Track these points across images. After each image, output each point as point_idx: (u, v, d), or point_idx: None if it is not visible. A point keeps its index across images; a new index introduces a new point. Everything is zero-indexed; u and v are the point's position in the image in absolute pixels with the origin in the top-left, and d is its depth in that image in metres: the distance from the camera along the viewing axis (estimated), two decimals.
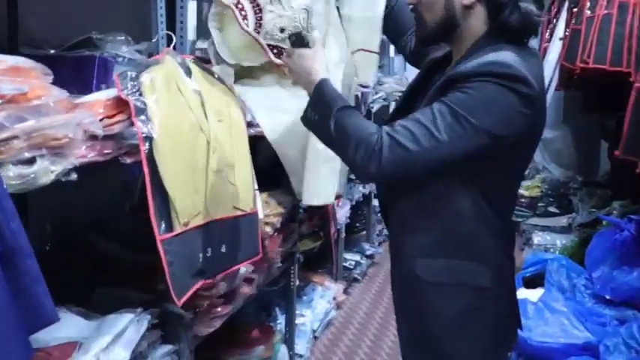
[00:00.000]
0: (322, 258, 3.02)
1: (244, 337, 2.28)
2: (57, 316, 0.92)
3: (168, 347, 1.48)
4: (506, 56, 1.11)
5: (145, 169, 1.22)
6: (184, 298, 1.33)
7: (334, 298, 3.09)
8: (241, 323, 2.32)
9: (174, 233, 1.29)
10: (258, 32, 1.62)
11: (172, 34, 1.51)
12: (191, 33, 1.59)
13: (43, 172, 1.05)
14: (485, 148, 1.10)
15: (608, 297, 2.14)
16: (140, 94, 1.24)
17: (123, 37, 1.62)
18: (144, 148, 1.21)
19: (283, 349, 2.46)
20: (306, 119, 1.27)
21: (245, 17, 1.61)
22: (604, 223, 2.59)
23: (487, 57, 1.12)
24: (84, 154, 1.16)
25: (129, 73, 1.26)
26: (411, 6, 1.28)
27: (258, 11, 1.61)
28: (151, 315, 1.41)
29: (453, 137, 1.09)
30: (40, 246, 1.78)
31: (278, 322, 2.58)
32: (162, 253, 1.26)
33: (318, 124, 1.23)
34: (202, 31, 1.87)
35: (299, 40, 1.36)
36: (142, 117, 1.22)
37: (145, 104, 1.23)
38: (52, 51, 1.64)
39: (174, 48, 1.50)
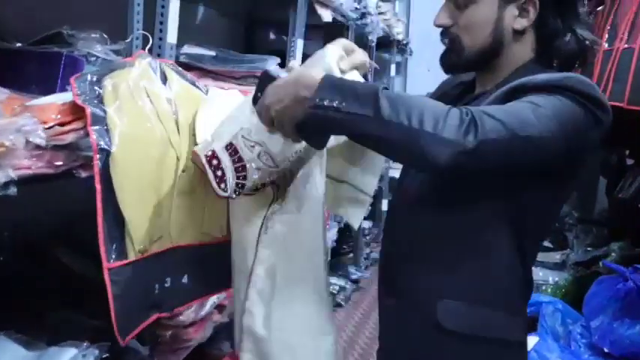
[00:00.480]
0: None
1: None
2: None
3: None
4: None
5: (97, 186, 1.04)
6: (130, 337, 1.14)
7: None
8: (213, 350, 2.15)
9: (125, 262, 1.12)
10: (239, 194, 1.11)
11: (149, 35, 1.34)
12: (172, 35, 1.42)
13: None
14: (556, 160, 0.95)
15: (606, 350, 1.97)
16: (100, 101, 1.07)
17: (97, 35, 1.46)
18: (97, 162, 1.04)
19: None
20: (332, 116, 0.89)
21: (222, 179, 1.09)
22: (601, 266, 2.44)
23: (557, 73, 1.00)
24: (27, 165, 1.00)
25: (89, 76, 1.09)
26: (440, 28, 1.11)
27: (240, 169, 1.09)
28: (100, 350, 1.24)
29: (544, 132, 0.90)
30: None
31: None
32: (107, 283, 1.08)
33: (359, 110, 0.88)
34: (190, 35, 1.72)
35: (268, 79, 0.98)
36: (99, 127, 1.04)
37: (104, 112, 1.06)
38: (18, 44, 1.48)
39: (149, 51, 1.33)
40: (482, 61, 1.09)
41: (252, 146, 1.06)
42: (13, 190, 0.95)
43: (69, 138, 1.04)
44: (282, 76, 0.97)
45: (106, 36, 1.47)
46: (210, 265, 1.37)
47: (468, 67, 1.13)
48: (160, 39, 1.41)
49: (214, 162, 1.08)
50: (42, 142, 0.96)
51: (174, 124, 1.24)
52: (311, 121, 0.91)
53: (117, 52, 1.49)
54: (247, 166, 1.07)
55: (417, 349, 1.09)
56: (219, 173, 1.07)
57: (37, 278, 1.56)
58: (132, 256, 1.12)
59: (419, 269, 1.08)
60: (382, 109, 0.86)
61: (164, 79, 1.28)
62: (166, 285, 1.25)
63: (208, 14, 2.53)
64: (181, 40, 1.65)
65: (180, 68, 1.36)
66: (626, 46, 1.78)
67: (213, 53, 1.83)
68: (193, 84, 1.39)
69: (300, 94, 0.90)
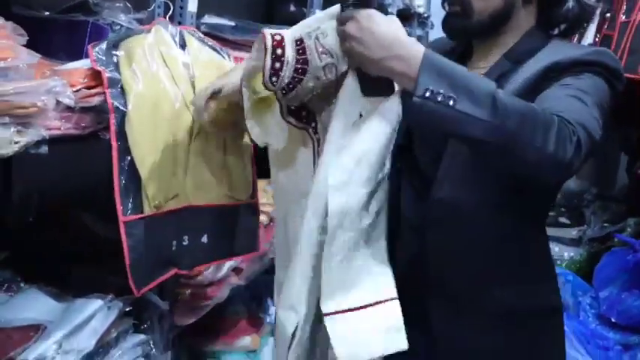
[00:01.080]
0: None
1: (230, 327, 2.17)
2: None
3: (140, 337, 1.37)
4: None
5: (113, 144, 1.11)
6: (146, 289, 1.21)
7: None
8: (229, 312, 2.22)
9: (140, 216, 1.18)
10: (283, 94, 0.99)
11: (170, 4, 1.39)
12: (193, 4, 1.46)
13: (3, 143, 0.95)
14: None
15: (613, 319, 2.00)
16: (116, 66, 1.13)
17: (121, 4, 1.50)
18: (113, 121, 1.11)
19: (272, 342, 2.35)
20: (442, 112, 0.83)
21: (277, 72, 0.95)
22: (616, 241, 2.45)
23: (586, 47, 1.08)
24: (57, 125, 1.06)
25: (106, 42, 1.15)
26: None
27: (300, 71, 0.96)
28: (124, 302, 1.31)
29: (597, 126, 0.91)
30: (22, 218, 1.71)
31: (269, 313, 2.47)
32: (123, 236, 1.14)
33: (473, 110, 0.82)
34: (210, 5, 1.75)
35: (364, 2, 0.89)
36: (114, 89, 1.11)
37: (119, 75, 1.12)
38: (47, 13, 1.54)
39: (170, 19, 1.38)
40: (492, 27, 1.08)
41: (323, 53, 0.94)
42: (44, 149, 1.01)
43: (94, 101, 1.10)
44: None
45: (129, 5, 1.52)
46: (233, 227, 1.43)
47: (477, 33, 1.11)
48: (181, 7, 1.44)
49: (278, 51, 0.94)
50: (71, 102, 1.02)
51: (191, 86, 1.28)
52: (415, 108, 0.84)
53: (139, 21, 1.52)
54: (308, 70, 0.95)
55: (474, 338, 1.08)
56: (277, 65, 0.94)
57: (63, 238, 1.64)
58: (147, 211, 1.19)
59: (463, 274, 1.08)
60: (497, 114, 0.82)
61: (183, 44, 1.33)
62: (184, 243, 1.31)
63: None
64: (202, 11, 1.68)
65: (201, 35, 1.41)
66: None
67: (232, 23, 1.86)
68: (215, 50, 1.43)
69: (397, 67, 0.86)
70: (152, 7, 1.42)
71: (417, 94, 0.82)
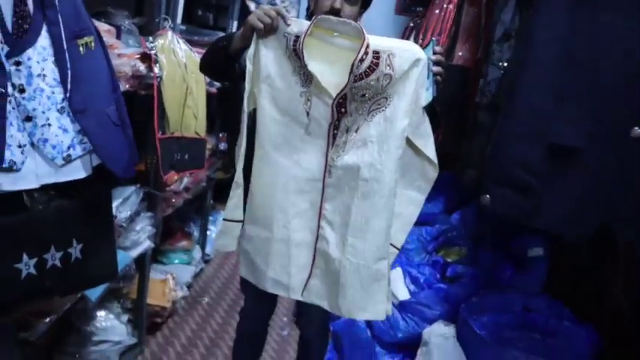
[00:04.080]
0: (225, 190, 3.74)
1: (175, 235, 3.02)
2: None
3: (149, 214, 2.20)
4: None
5: (155, 95, 1.95)
6: (167, 176, 2.07)
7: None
8: (171, 227, 3.05)
9: (165, 136, 2.03)
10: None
11: (168, 18, 2.21)
12: (179, 18, 2.30)
13: None
14: None
15: None
16: (155, 52, 1.96)
17: (126, 13, 2.28)
18: (156, 83, 1.94)
19: (198, 248, 3.21)
20: None
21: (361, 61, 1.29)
22: None
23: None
24: (132, 84, 1.86)
25: (149, 38, 1.98)
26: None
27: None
28: (143, 190, 2.14)
29: None
30: None
31: (193, 231, 3.32)
32: (158, 147, 1.99)
33: None
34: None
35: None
36: (157, 65, 1.94)
37: (158, 58, 1.95)
38: None
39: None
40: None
41: (388, 66, 1.28)
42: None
43: (144, 71, 1.91)
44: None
45: (130, 14, 2.29)
46: (197, 151, 2.32)
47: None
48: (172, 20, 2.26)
49: (367, 49, 1.28)
50: (133, 72, 1.82)
51: (185, 68, 2.14)
52: None
53: (136, 24, 2.32)
54: (376, 71, 1.28)
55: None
56: (362, 56, 1.27)
57: None
58: (168, 134, 2.04)
59: None
60: None
61: (179, 44, 2.18)
62: (178, 157, 2.18)
63: None
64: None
65: (183, 39, 2.26)
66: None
67: (183, 27, 2.69)
68: (190, 49, 2.29)
69: None
70: (158, 19, 2.20)
71: None
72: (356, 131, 1.34)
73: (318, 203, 1.39)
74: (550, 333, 1.86)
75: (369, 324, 2.20)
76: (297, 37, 1.30)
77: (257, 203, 1.42)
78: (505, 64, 1.40)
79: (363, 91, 1.30)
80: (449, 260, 2.43)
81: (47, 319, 1.59)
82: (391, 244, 1.41)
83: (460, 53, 2.00)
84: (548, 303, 2.02)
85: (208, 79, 2.42)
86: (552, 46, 1.26)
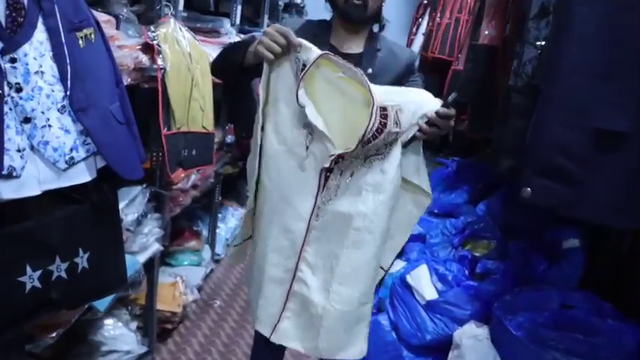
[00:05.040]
0: (233, 185, 3.73)
1: (183, 235, 2.99)
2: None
3: (157, 215, 2.17)
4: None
5: (160, 88, 1.90)
6: (174, 174, 2.04)
7: (242, 217, 3.83)
8: (178, 226, 3.02)
9: (171, 132, 1.99)
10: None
11: (169, 5, 2.16)
12: (181, 5, 2.25)
13: None
14: None
15: (436, 211, 3.11)
16: (158, 42, 1.92)
17: (124, 1, 2.23)
18: (160, 74, 1.90)
19: (207, 248, 3.19)
20: None
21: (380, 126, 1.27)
22: (437, 162, 3.58)
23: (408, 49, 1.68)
24: (131, 78, 1.82)
25: (151, 27, 1.93)
26: None
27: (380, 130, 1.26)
28: (150, 190, 2.10)
29: None
30: None
31: (201, 230, 3.29)
32: (165, 143, 1.96)
33: None
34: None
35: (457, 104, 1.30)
36: (160, 56, 1.90)
37: (161, 48, 1.91)
38: None
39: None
40: (374, 20, 1.49)
41: (395, 122, 1.26)
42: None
43: (146, 63, 1.87)
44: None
45: (126, 2, 2.25)
46: (204, 147, 2.27)
47: (367, 22, 1.48)
48: (174, 7, 2.21)
49: (382, 112, 1.25)
50: (135, 64, 1.78)
51: (190, 58, 2.10)
52: None
53: (134, 12, 2.27)
54: (384, 132, 1.26)
55: None
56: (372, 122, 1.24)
57: None
58: (174, 130, 2.00)
59: None
60: None
61: (182, 33, 2.13)
62: (185, 153, 2.14)
63: None
64: None
65: (186, 27, 2.21)
66: (447, 21, 2.87)
67: (185, 14, 2.63)
68: (193, 37, 2.24)
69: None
70: (159, 6, 2.15)
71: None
72: (351, 175, 1.33)
73: (300, 244, 1.38)
74: (592, 332, 1.81)
75: (394, 326, 2.16)
76: (305, 65, 1.27)
77: (255, 217, 1.49)
78: (543, 43, 1.34)
79: (368, 149, 1.30)
80: (477, 255, 2.38)
81: (54, 334, 1.56)
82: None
83: (486, 32, 1.94)
84: (587, 298, 1.97)
85: None
86: (594, 22, 1.21)
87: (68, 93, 1.23)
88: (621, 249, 2.18)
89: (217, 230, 3.35)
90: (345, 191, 1.33)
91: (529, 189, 1.24)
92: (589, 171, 1.19)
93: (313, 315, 1.39)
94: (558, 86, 1.22)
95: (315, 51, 1.27)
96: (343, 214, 1.33)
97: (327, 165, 1.30)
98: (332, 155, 1.27)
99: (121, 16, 2.20)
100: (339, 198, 1.34)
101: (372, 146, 1.27)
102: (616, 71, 1.19)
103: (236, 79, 1.50)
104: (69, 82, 1.23)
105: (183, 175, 2.38)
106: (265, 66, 1.32)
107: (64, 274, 1.31)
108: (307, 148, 1.33)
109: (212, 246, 3.27)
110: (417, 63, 1.65)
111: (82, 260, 1.35)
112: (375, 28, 1.55)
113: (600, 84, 1.19)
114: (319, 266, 1.39)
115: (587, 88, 1.20)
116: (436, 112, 1.27)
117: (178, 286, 2.58)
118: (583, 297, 1.97)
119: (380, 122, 1.24)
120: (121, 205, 1.92)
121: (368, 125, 1.22)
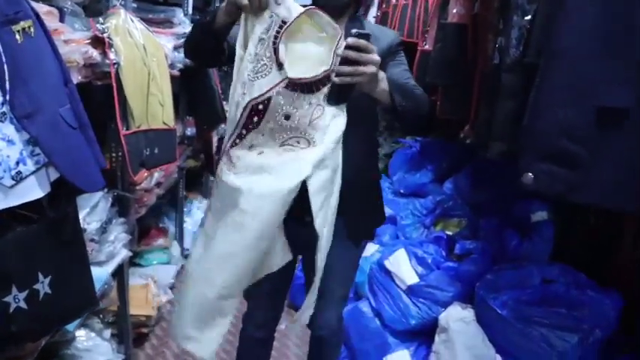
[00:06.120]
0: (197, 178, 3.49)
1: (150, 233, 2.74)
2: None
3: (122, 219, 1.93)
4: None
5: (114, 84, 1.65)
6: (137, 176, 1.80)
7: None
8: (144, 224, 2.77)
9: (131, 131, 1.75)
10: None
11: None
12: None
13: None
14: None
15: (402, 191, 2.98)
16: (108, 35, 1.66)
17: None
18: (113, 70, 1.64)
19: (175, 244, 2.95)
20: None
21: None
22: (400, 143, 3.45)
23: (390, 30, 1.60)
24: (85, 74, 1.56)
25: (99, 19, 1.66)
26: None
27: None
28: (111, 195, 1.86)
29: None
30: None
31: (168, 226, 3.04)
32: (124, 144, 1.71)
33: (410, 105, 1.29)
34: None
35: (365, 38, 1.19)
36: (112, 50, 1.64)
37: (112, 41, 1.65)
38: None
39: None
40: (349, 8, 1.43)
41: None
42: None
43: (97, 58, 1.61)
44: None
45: None
46: (168, 143, 2.03)
47: (345, 8, 1.42)
48: None
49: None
50: (85, 60, 1.52)
51: (144, 51, 1.84)
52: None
53: (79, 4, 1.99)
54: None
55: None
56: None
57: None
58: (133, 129, 1.75)
59: None
60: (418, 104, 1.33)
61: (133, 23, 1.86)
62: (147, 153, 1.89)
63: None
64: None
65: (138, 17, 1.94)
66: (404, 2, 2.69)
67: (135, 5, 2.35)
68: (146, 28, 1.98)
69: (382, 98, 1.26)
70: None
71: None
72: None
73: None
74: (574, 305, 1.72)
75: (376, 312, 2.01)
76: (284, 23, 1.16)
77: None
78: (529, 18, 1.19)
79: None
80: (450, 234, 2.26)
81: None
82: None
83: (455, 10, 1.78)
84: (564, 271, 1.88)
85: (170, 61, 2.13)
86: None
87: (7, 97, 0.99)
88: (589, 219, 2.10)
89: (184, 225, 3.11)
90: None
91: (530, 174, 1.10)
92: (594, 153, 1.05)
93: None
94: (557, 65, 1.07)
95: (296, 8, 1.17)
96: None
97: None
98: (285, 79, 1.18)
99: (65, 9, 1.93)
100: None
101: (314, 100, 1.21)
102: (616, 47, 1.04)
103: (210, 44, 1.33)
104: (7, 85, 0.98)
105: (146, 174, 2.14)
106: (242, 23, 1.20)
107: (23, 305, 1.08)
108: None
109: (180, 242, 3.04)
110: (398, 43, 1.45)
111: (43, 286, 1.13)
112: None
113: (601, 60, 1.05)
114: None
115: (587, 66, 1.06)
116: (345, 46, 1.18)
117: (150, 288, 2.36)
118: (560, 270, 1.87)
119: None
120: (82, 214, 1.68)
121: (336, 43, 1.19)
